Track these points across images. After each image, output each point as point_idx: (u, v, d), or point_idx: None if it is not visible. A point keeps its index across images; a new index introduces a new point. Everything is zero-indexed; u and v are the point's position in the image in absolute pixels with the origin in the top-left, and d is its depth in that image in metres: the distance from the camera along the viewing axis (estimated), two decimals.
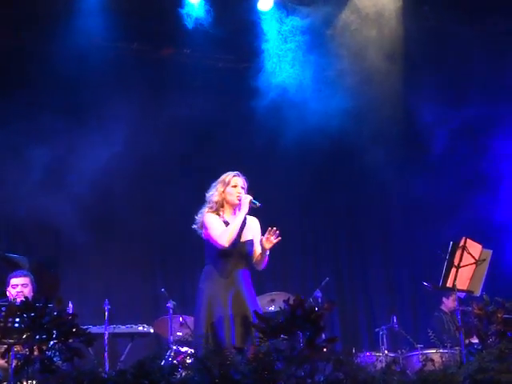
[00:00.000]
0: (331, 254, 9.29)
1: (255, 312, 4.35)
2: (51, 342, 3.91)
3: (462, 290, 6.05)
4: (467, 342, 5.22)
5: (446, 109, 8.65)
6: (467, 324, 5.05)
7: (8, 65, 7.96)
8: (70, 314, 4.00)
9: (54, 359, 3.89)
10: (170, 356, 6.28)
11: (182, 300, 7.34)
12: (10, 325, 3.98)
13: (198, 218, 5.21)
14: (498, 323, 4.62)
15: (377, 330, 7.31)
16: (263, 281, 8.05)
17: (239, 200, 5.15)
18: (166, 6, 8.20)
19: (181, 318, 6.98)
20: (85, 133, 7.79)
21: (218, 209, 5.19)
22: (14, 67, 8.01)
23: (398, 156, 8.84)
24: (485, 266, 6.06)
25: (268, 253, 5.15)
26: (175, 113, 7.99)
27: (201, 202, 5.29)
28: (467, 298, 6.20)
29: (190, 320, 6.56)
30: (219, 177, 5.30)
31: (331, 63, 8.39)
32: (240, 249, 5.10)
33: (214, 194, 5.21)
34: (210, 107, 8.30)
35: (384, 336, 7.15)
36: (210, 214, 5.16)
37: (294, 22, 8.39)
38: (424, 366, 4.33)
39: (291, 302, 3.99)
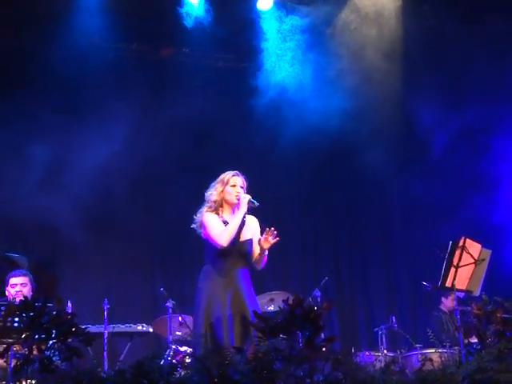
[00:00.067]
0: (330, 253, 9.30)
1: (254, 312, 4.35)
2: (50, 342, 3.91)
3: (461, 290, 6.05)
4: (466, 341, 5.21)
5: (445, 109, 8.65)
6: (466, 324, 5.05)
7: (8, 65, 7.96)
8: (69, 314, 4.00)
9: (53, 359, 3.89)
10: (169, 355, 6.29)
11: (181, 299, 7.33)
12: (9, 324, 3.99)
13: (196, 217, 5.22)
14: (497, 323, 4.62)
15: (376, 329, 7.30)
16: (262, 280, 8.05)
17: (238, 199, 5.15)
18: (165, 6, 8.21)
19: (180, 318, 6.98)
20: (84, 132, 7.80)
21: (217, 208, 5.19)
22: (14, 67, 8.01)
23: (397, 156, 8.85)
24: (484, 266, 6.06)
25: (267, 253, 5.15)
26: (175, 112, 7.99)
27: (200, 201, 5.29)
28: (466, 297, 6.20)
29: (189, 319, 6.56)
30: (219, 176, 5.30)
31: (331, 62, 8.40)
32: (239, 248, 5.10)
33: (212, 193, 5.21)
34: (209, 107, 8.30)
35: (383, 336, 7.15)
36: (208, 213, 5.16)
37: (294, 21, 8.40)
38: (423, 365, 4.33)
39: (290, 301, 3.99)
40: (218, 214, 5.18)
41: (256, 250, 5.19)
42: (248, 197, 5.14)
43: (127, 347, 6.80)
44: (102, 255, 8.22)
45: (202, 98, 8.26)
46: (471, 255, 5.97)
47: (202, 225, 5.16)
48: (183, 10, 8.22)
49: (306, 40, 8.44)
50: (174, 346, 6.53)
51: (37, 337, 3.89)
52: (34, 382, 3.86)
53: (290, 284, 8.69)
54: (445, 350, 6.11)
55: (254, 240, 5.19)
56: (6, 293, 6.07)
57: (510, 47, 8.65)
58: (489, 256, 6.09)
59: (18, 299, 4.29)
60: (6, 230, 7.98)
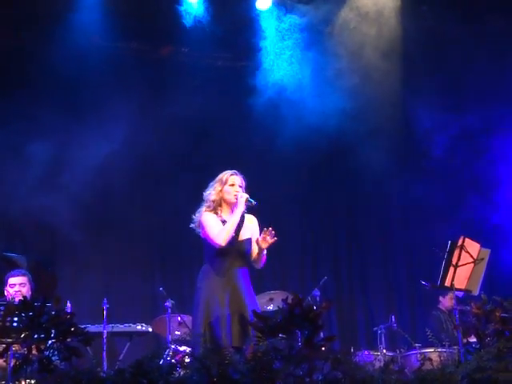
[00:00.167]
0: (330, 253, 9.30)
1: (253, 311, 4.34)
2: (49, 342, 3.91)
3: (460, 289, 6.04)
4: (465, 341, 5.22)
5: (444, 109, 8.65)
6: (465, 323, 5.05)
7: (8, 64, 7.97)
8: (68, 313, 4.00)
9: (53, 358, 3.89)
10: (168, 355, 6.28)
11: (180, 299, 7.34)
12: (8, 324, 3.98)
13: (195, 217, 5.22)
14: (495, 322, 4.63)
15: (375, 329, 7.31)
16: (262, 280, 8.05)
17: (237, 199, 5.15)
18: (164, 5, 8.21)
19: (179, 317, 6.98)
20: (83, 132, 7.80)
21: (215, 208, 5.18)
22: (14, 67, 8.02)
23: (396, 155, 8.85)
24: (483, 265, 6.05)
25: (265, 252, 5.15)
26: (174, 111, 8.00)
27: (199, 200, 5.29)
28: (465, 297, 6.20)
29: (189, 319, 6.56)
30: (217, 175, 5.30)
31: (329, 62, 8.40)
32: (238, 247, 5.10)
33: (211, 192, 5.21)
34: (208, 106, 8.30)
35: (382, 335, 7.15)
36: (207, 212, 5.16)
37: (293, 19, 8.39)
38: (422, 365, 4.34)
39: (289, 300, 3.99)
40: (216, 213, 5.17)
41: (255, 249, 5.18)
42: (245, 196, 5.14)
43: (126, 347, 6.80)
44: (100, 255, 8.21)
45: (201, 97, 8.26)
46: (470, 254, 5.96)
47: (200, 224, 5.16)
48: (182, 9, 8.22)
49: (304, 39, 8.45)
50: (173, 346, 6.53)
51: (36, 336, 3.89)
52: (33, 381, 3.86)
53: (289, 283, 8.70)
54: (444, 350, 6.12)
55: (252, 239, 5.19)
56: (5, 293, 6.07)
57: (510, 47, 8.65)
58: (488, 255, 6.09)
59: (17, 299, 4.29)
60: (4, 229, 7.97)
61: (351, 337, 8.77)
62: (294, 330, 3.94)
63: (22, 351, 3.94)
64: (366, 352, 7.00)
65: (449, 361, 4.70)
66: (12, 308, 3.98)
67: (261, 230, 5.16)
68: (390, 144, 8.64)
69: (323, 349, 3.94)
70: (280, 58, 8.51)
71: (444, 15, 8.39)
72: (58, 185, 7.63)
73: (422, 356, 5.86)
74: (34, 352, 3.88)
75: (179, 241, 8.13)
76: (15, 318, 3.98)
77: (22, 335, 3.91)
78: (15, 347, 4.09)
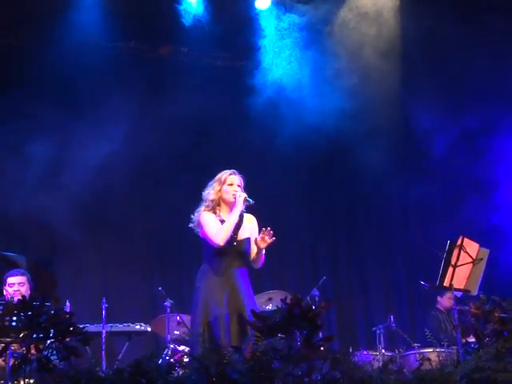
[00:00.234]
0: (329, 253, 9.30)
1: (252, 311, 4.34)
2: (48, 341, 3.91)
3: (459, 289, 6.05)
4: (464, 341, 5.22)
5: (444, 108, 8.65)
6: (464, 323, 5.05)
7: (7, 64, 7.96)
8: (67, 313, 4.00)
9: (51, 358, 3.88)
10: (167, 355, 6.28)
11: (179, 299, 7.33)
12: (7, 323, 3.98)
13: (194, 216, 5.21)
14: (494, 322, 4.63)
15: (374, 328, 7.30)
16: (261, 279, 8.06)
17: (235, 198, 5.15)
18: (163, 5, 8.21)
19: (178, 317, 6.98)
20: (83, 131, 7.80)
21: (214, 207, 5.18)
22: (13, 66, 8.02)
23: (396, 155, 8.85)
24: (482, 265, 6.06)
25: (264, 252, 5.15)
26: (173, 111, 7.99)
27: (198, 200, 5.29)
28: (464, 297, 6.20)
29: (188, 319, 6.55)
30: (216, 175, 5.30)
31: (329, 61, 8.40)
32: (237, 247, 5.10)
33: (210, 192, 5.21)
34: (208, 105, 8.30)
35: (381, 335, 7.15)
36: (206, 212, 5.16)
37: (292, 18, 8.39)
38: (421, 365, 4.33)
39: (288, 300, 3.99)
40: (215, 213, 5.17)
41: (254, 249, 5.18)
42: (244, 195, 5.14)
43: (125, 346, 6.80)
44: (100, 255, 8.22)
45: (201, 96, 8.26)
46: (469, 254, 5.96)
47: (199, 224, 5.16)
48: (181, 8, 8.22)
49: (303, 38, 8.45)
50: (172, 346, 6.53)
51: (35, 336, 3.89)
52: (32, 381, 3.86)
53: (288, 283, 8.69)
54: (443, 350, 6.13)
55: (251, 239, 5.19)
56: (4, 292, 6.06)
57: (510, 47, 8.64)
58: (487, 255, 6.09)
59: (16, 298, 4.29)
60: (3, 229, 7.96)
61: (350, 337, 8.77)
62: (292, 330, 3.94)
63: (21, 351, 3.94)
64: (365, 352, 7.00)
65: (447, 361, 4.70)
66: (11, 307, 3.98)
67: (260, 230, 5.16)
68: (390, 144, 8.65)
69: (322, 349, 3.94)
70: (279, 57, 8.51)
71: (443, 15, 8.39)
72: (57, 184, 7.63)
73: (421, 356, 5.87)
74: (32, 351, 3.88)
75: (178, 240, 8.14)
76: (14, 318, 3.97)
77: (21, 335, 3.91)
78: (14, 347, 4.08)
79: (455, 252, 5.91)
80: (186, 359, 4.44)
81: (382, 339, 7.12)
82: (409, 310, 9.19)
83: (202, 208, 5.20)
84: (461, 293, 6.21)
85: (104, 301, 6.46)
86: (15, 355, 4.04)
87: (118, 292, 8.00)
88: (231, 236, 5.05)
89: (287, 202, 9.05)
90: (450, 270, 5.91)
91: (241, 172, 5.30)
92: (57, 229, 7.68)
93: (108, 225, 8.22)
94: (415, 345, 6.96)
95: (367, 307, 9.15)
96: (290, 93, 8.46)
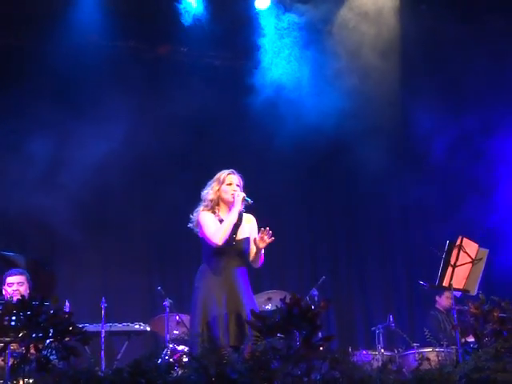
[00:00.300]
0: (328, 252, 9.30)
1: (252, 310, 4.34)
2: (47, 341, 3.91)
3: (459, 289, 6.05)
4: (463, 340, 5.22)
5: (443, 109, 8.65)
6: (463, 323, 5.05)
7: (7, 64, 7.96)
8: (66, 313, 4.00)
9: (51, 358, 3.88)
10: (166, 354, 6.28)
11: (178, 298, 7.33)
12: (6, 323, 3.98)
13: (193, 216, 5.21)
14: (493, 322, 4.63)
15: (373, 328, 7.31)
16: (260, 279, 8.06)
17: (234, 198, 5.14)
18: (163, 4, 8.21)
19: (177, 317, 6.98)
20: (82, 131, 7.79)
21: (213, 207, 5.18)
22: (13, 66, 8.02)
23: (395, 155, 8.85)
24: (481, 265, 6.06)
25: (263, 252, 5.14)
26: (172, 111, 7.99)
27: (198, 200, 5.29)
28: (463, 296, 6.21)
29: (187, 318, 6.56)
30: (215, 175, 5.29)
31: (328, 61, 8.40)
32: (236, 247, 5.10)
33: (209, 192, 5.21)
34: (207, 105, 8.30)
35: (380, 335, 7.16)
36: (205, 212, 5.16)
37: (291, 18, 8.39)
38: (420, 364, 4.33)
39: (288, 300, 3.99)
40: (214, 212, 5.17)
41: (253, 248, 5.18)
42: (242, 194, 5.14)
43: (124, 346, 6.80)
44: (99, 254, 8.21)
45: (200, 96, 8.26)
46: (468, 254, 5.97)
47: (198, 224, 5.15)
48: (181, 7, 8.22)
49: (303, 37, 8.44)
50: (171, 345, 6.54)
51: (34, 336, 3.89)
52: (31, 381, 3.86)
53: (288, 283, 8.69)
54: (442, 349, 6.13)
55: (251, 238, 5.19)
56: (3, 292, 6.05)
57: (510, 47, 8.64)
58: (486, 255, 6.09)
59: (15, 298, 4.29)
60: (3, 228, 7.96)
61: (349, 336, 8.77)
62: (292, 330, 3.94)
63: (20, 350, 3.94)
64: (364, 352, 7.00)
65: (447, 361, 4.71)
66: (10, 307, 3.97)
67: (259, 230, 5.16)
68: (389, 143, 8.65)
69: (321, 348, 3.94)
70: (279, 57, 8.51)
71: (443, 15, 8.39)
72: (56, 184, 7.63)
73: (420, 356, 5.85)
74: (32, 351, 3.88)
75: (177, 240, 8.13)
76: (13, 317, 3.97)
77: (20, 334, 3.91)
78: (13, 346, 4.09)
79: (454, 252, 5.92)
80: (185, 359, 4.44)
81: (381, 339, 7.13)
82: (408, 309, 9.19)
83: (201, 208, 5.19)
84: (460, 293, 6.21)
85: (103, 300, 6.46)
86: (14, 355, 4.04)
87: (118, 292, 8.00)
88: (230, 235, 5.04)
89: (287, 201, 9.05)
90: (450, 269, 5.91)
91: (240, 171, 5.30)
92: (56, 228, 7.68)
93: (107, 224, 8.22)
94: (414, 344, 6.95)
95: (366, 307, 9.15)
96: (289, 92, 8.46)
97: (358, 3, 8.47)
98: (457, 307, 5.83)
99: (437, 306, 8.08)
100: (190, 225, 5.23)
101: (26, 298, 4.00)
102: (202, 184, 5.33)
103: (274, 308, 4.07)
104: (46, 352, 3.87)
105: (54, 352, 3.89)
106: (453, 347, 5.98)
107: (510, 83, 8.78)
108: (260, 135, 8.50)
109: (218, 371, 3.75)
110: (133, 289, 8.25)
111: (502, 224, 8.89)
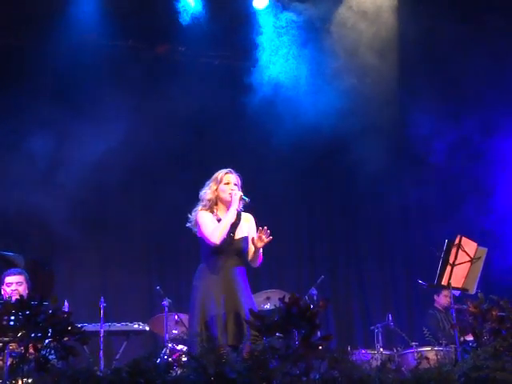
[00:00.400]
0: (327, 252, 9.30)
1: (250, 310, 4.34)
2: (46, 341, 3.91)
3: (457, 288, 6.05)
4: (462, 339, 5.22)
5: (443, 109, 8.65)
6: (462, 322, 5.05)
7: (6, 63, 7.96)
8: (65, 312, 4.00)
9: (49, 357, 3.88)
10: (165, 354, 6.28)
11: (177, 298, 7.34)
12: (5, 323, 3.98)
13: (191, 216, 5.21)
14: (492, 321, 4.63)
15: (372, 327, 7.31)
16: (259, 278, 8.06)
17: (231, 197, 5.14)
18: (161, 4, 8.21)
19: (176, 316, 6.98)
20: (80, 130, 7.79)
21: (211, 206, 5.18)
22: (12, 65, 8.01)
23: (394, 155, 8.84)
24: (480, 264, 6.06)
25: (261, 251, 5.14)
26: (170, 110, 7.99)
27: (196, 199, 5.28)
28: (462, 295, 6.21)
29: (186, 318, 6.55)
30: (213, 174, 5.29)
31: (326, 60, 8.40)
32: (234, 246, 5.09)
33: (207, 192, 5.21)
34: (205, 104, 8.30)
35: (379, 334, 7.16)
36: (203, 211, 5.16)
37: (289, 16, 8.39)
38: (419, 363, 4.33)
39: (286, 299, 3.99)
40: (212, 212, 5.17)
41: (251, 248, 5.18)
42: (240, 193, 5.14)
43: (123, 346, 6.79)
44: (98, 254, 8.22)
45: (198, 95, 8.26)
46: (467, 253, 5.97)
47: (196, 223, 5.15)
48: (180, 6, 8.22)
49: (301, 36, 8.45)
50: (170, 345, 6.54)
51: (33, 335, 3.89)
52: (30, 380, 3.85)
53: (287, 282, 8.69)
54: (441, 348, 6.13)
55: (249, 238, 5.18)
56: (2, 291, 6.06)
57: (510, 47, 8.63)
58: (485, 254, 6.09)
59: (13, 298, 4.28)
60: (1, 228, 7.96)
61: (348, 336, 8.78)
62: (290, 329, 3.94)
63: (19, 350, 3.94)
64: (363, 351, 7.00)
65: (446, 359, 4.71)
66: (9, 307, 3.97)
67: (257, 229, 5.16)
68: (389, 143, 8.64)
69: (320, 348, 3.93)
70: (276, 55, 8.51)
71: (443, 14, 8.39)
72: (55, 183, 7.63)
73: (419, 355, 5.86)
74: (30, 351, 3.88)
75: (176, 240, 8.13)
76: (12, 317, 3.97)
77: (19, 334, 3.91)
78: (12, 346, 4.08)
79: (453, 251, 5.92)
80: (184, 358, 4.44)
81: (380, 338, 7.13)
82: (407, 308, 9.19)
83: (199, 207, 5.19)
84: (459, 291, 6.21)
85: (102, 300, 6.45)
86: (13, 354, 4.04)
87: (116, 291, 8.01)
88: (228, 235, 5.04)
89: (285, 200, 9.05)
90: (448, 268, 5.91)
91: (238, 170, 5.30)
92: (55, 228, 7.68)
93: (106, 224, 8.22)
94: (413, 343, 6.96)
95: (365, 306, 9.15)
96: (287, 91, 8.46)
97: (357, 2, 8.47)
98: (456, 306, 5.84)
99: (435, 304, 8.08)
100: (188, 224, 5.23)
101: (25, 297, 4.00)
102: (200, 184, 5.33)
103: (273, 307, 4.08)
104: (44, 352, 3.86)
105: (52, 352, 3.89)
106: (452, 346, 5.99)
107: (510, 83, 8.77)
108: (258, 134, 8.51)
109: (216, 371, 3.75)
110: (132, 288, 8.25)
111: (501, 224, 8.88)
